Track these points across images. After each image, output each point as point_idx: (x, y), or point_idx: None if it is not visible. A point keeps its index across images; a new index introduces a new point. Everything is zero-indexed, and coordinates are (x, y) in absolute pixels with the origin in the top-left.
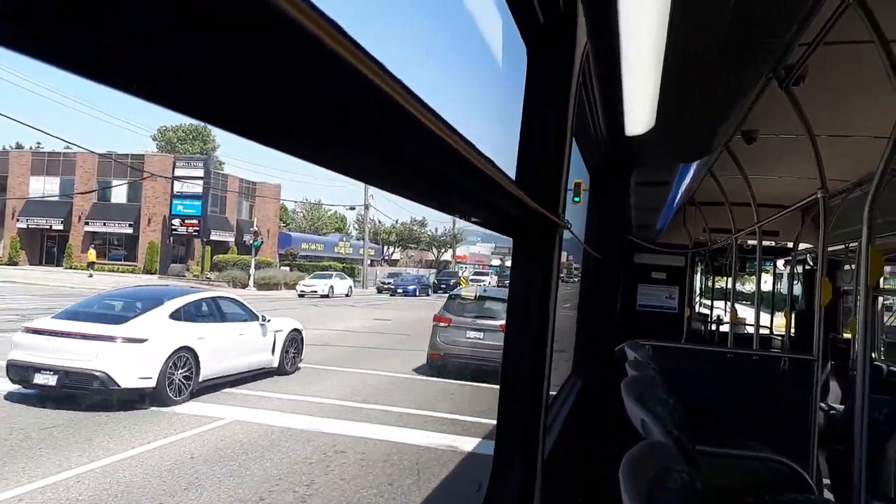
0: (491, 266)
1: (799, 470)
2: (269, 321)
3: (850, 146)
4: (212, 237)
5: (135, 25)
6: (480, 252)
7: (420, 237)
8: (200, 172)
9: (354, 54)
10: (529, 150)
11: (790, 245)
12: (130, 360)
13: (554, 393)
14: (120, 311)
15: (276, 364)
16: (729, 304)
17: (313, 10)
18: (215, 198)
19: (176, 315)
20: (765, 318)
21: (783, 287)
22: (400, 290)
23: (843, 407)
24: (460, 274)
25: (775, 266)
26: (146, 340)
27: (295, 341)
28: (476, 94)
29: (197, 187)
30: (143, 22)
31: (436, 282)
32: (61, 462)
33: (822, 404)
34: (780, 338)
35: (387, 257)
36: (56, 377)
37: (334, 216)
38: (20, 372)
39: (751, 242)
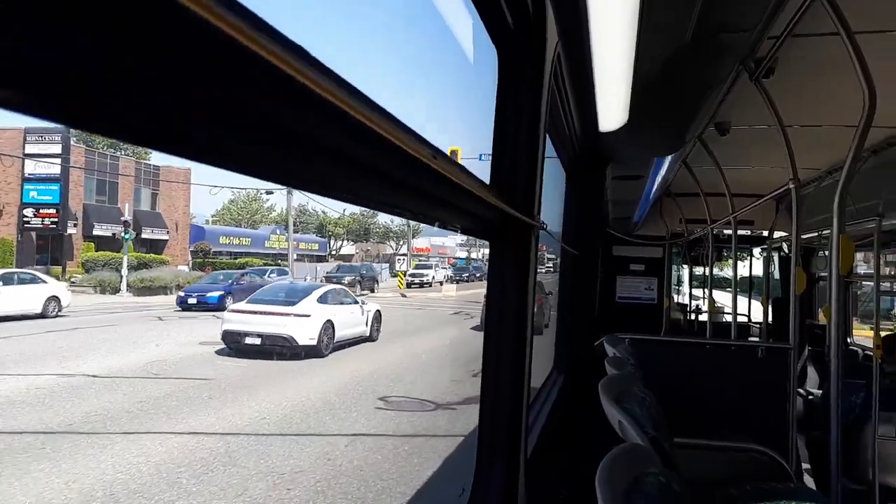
0: (458, 259)
1: (778, 458)
2: (365, 304)
3: (820, 136)
4: (96, 231)
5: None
6: (446, 244)
7: (372, 229)
8: (57, 149)
9: (306, 75)
10: (503, 151)
11: (765, 234)
12: (302, 328)
13: (536, 387)
14: (288, 297)
15: (367, 333)
16: (707, 293)
17: (254, 22)
18: (103, 184)
19: (321, 300)
20: (744, 305)
21: (760, 274)
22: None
23: (820, 392)
24: (398, 267)
25: (751, 254)
26: (310, 316)
27: (378, 319)
28: (449, 97)
29: (54, 168)
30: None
31: (326, 276)
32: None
33: (801, 390)
34: (758, 326)
35: (335, 252)
36: (260, 339)
37: (273, 210)
38: (234, 337)
39: (727, 232)
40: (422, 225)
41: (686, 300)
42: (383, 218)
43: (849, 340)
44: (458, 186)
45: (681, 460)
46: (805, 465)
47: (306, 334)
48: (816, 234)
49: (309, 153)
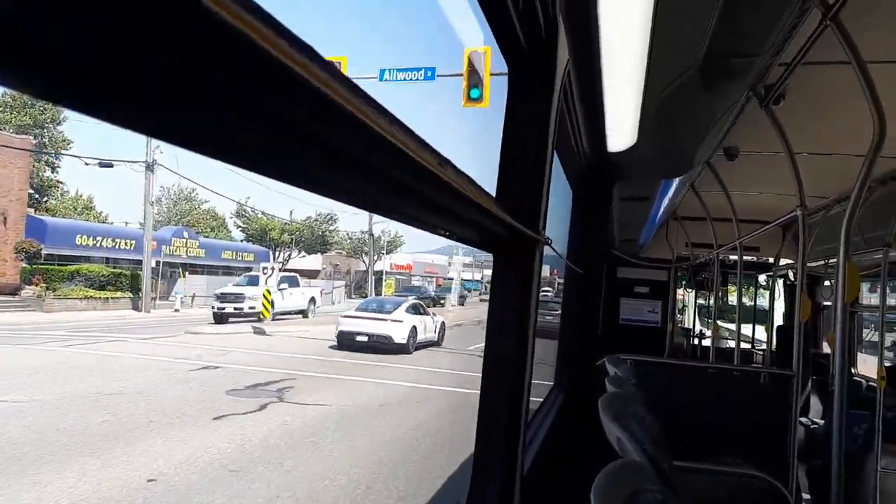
0: (446, 279)
1: (778, 486)
2: (435, 316)
3: (829, 164)
4: None
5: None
6: (435, 262)
7: (329, 238)
8: None
9: (319, 77)
10: (510, 165)
11: (771, 260)
12: (398, 330)
13: (536, 405)
14: (385, 308)
15: (436, 339)
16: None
17: (279, 29)
18: None
19: (408, 310)
20: (747, 332)
21: (765, 302)
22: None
23: (822, 422)
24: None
25: (757, 281)
26: (402, 321)
27: (443, 328)
28: (457, 109)
29: None
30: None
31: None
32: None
33: (803, 419)
34: (761, 353)
35: (283, 262)
36: (367, 338)
37: (210, 214)
38: (347, 335)
39: (732, 257)
40: (403, 237)
41: (689, 324)
42: (346, 226)
43: (853, 371)
44: (464, 197)
45: (679, 483)
46: (805, 495)
47: (400, 335)
48: (822, 262)
49: (321, 154)
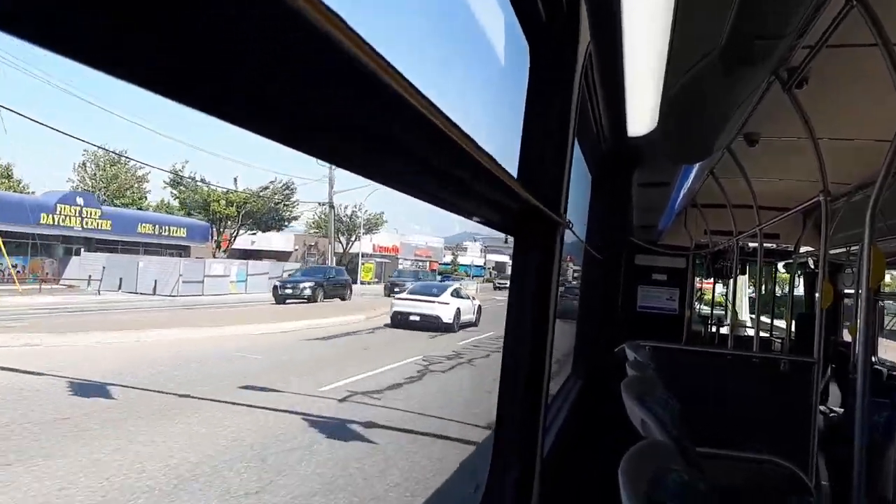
0: (441, 264)
1: (798, 472)
2: (474, 300)
3: (852, 149)
4: None
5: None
6: (430, 244)
7: (283, 212)
8: None
9: (365, 51)
10: (531, 148)
11: (790, 248)
12: (445, 311)
13: (554, 392)
14: (433, 291)
15: (474, 320)
16: (730, 305)
17: (320, 4)
18: None
19: (453, 294)
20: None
21: (784, 290)
22: None
23: (842, 410)
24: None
25: (776, 269)
26: (448, 304)
27: (480, 310)
28: (476, 90)
29: None
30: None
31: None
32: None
33: (822, 407)
34: (779, 340)
35: (228, 240)
36: (419, 318)
37: (145, 181)
38: (401, 316)
39: (752, 245)
40: (385, 214)
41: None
42: (308, 197)
43: (873, 359)
44: (492, 177)
45: (701, 468)
46: (824, 483)
47: (447, 316)
48: (844, 249)
49: (351, 133)
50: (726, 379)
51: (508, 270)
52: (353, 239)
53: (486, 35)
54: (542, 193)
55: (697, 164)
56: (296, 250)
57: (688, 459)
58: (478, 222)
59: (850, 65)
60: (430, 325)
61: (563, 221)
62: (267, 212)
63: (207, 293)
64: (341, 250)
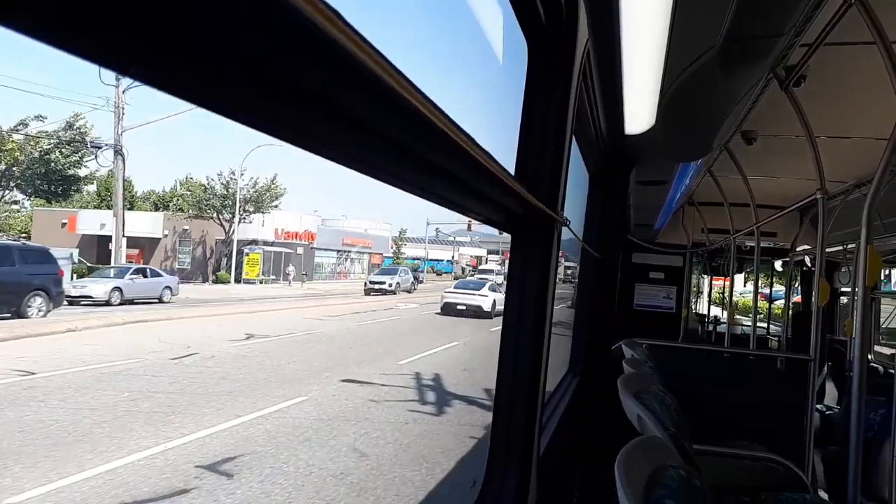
0: (385, 258)
1: (795, 469)
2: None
3: (849, 147)
4: None
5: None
6: (369, 231)
7: (68, 172)
8: None
9: (364, 50)
10: (529, 145)
11: (787, 246)
12: (485, 302)
13: (551, 389)
14: (474, 286)
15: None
16: (727, 304)
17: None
18: None
19: (490, 289)
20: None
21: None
22: None
23: (838, 408)
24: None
25: (773, 267)
26: (487, 296)
27: None
28: (475, 88)
29: None
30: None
31: None
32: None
33: (819, 405)
34: (776, 338)
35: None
36: (465, 307)
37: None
38: (450, 306)
39: (749, 243)
40: (283, 185)
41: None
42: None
43: (869, 357)
44: (491, 175)
45: (697, 465)
46: (820, 480)
47: (486, 306)
48: (840, 247)
49: (352, 127)
50: (723, 376)
51: (488, 265)
52: (238, 220)
53: (484, 34)
54: (539, 191)
55: (695, 163)
56: (165, 236)
57: (684, 456)
58: (476, 219)
59: (848, 63)
60: (473, 313)
61: (560, 219)
62: (46, 171)
63: None
64: (223, 235)
